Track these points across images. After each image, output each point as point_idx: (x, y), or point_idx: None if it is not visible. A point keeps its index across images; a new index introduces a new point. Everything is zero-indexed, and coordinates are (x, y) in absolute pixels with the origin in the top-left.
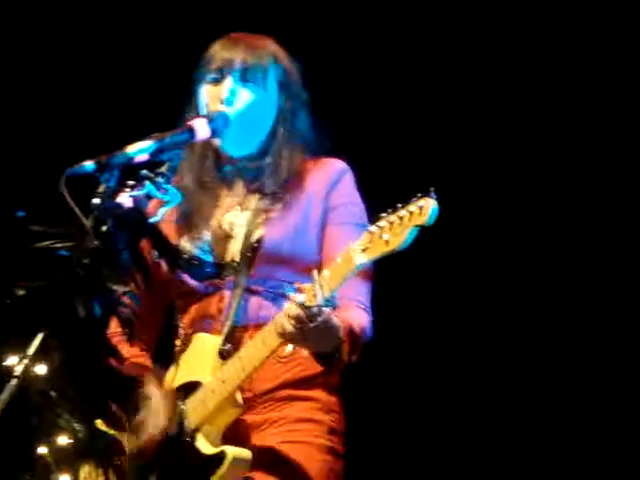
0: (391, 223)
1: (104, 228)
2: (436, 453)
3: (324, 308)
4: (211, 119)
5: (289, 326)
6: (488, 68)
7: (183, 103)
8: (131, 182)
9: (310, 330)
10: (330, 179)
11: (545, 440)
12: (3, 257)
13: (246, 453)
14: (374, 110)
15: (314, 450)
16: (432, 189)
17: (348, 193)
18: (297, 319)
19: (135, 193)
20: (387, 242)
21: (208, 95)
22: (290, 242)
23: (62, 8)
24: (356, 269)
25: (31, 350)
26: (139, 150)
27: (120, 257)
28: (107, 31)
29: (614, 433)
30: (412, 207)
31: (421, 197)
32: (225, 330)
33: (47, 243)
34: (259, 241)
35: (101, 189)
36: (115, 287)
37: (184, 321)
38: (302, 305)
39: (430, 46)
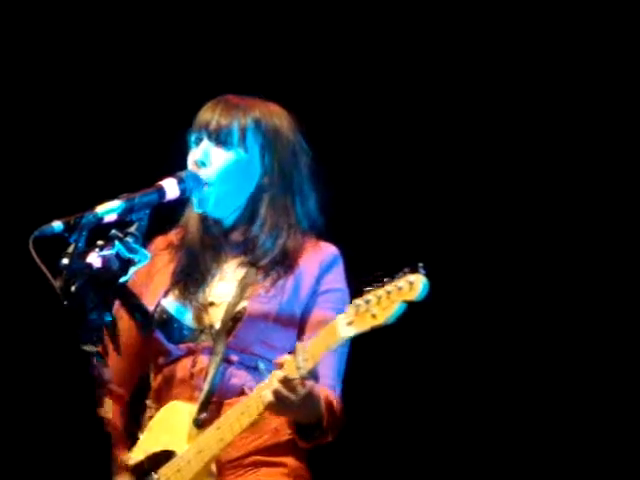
0: (379, 297)
1: (73, 288)
2: (435, 457)
3: (309, 382)
4: (181, 179)
5: (273, 398)
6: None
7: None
8: (100, 242)
9: (293, 402)
10: (324, 262)
11: (545, 440)
12: None
13: None
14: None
15: None
16: (421, 265)
17: (339, 280)
18: (280, 392)
19: (104, 253)
20: (374, 316)
21: (190, 157)
22: (272, 320)
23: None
24: (341, 342)
25: None
26: (108, 210)
27: (89, 317)
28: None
29: (614, 433)
30: (401, 282)
31: (410, 272)
32: (201, 398)
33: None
34: (241, 313)
35: (70, 249)
36: (84, 348)
37: (157, 381)
38: (286, 378)
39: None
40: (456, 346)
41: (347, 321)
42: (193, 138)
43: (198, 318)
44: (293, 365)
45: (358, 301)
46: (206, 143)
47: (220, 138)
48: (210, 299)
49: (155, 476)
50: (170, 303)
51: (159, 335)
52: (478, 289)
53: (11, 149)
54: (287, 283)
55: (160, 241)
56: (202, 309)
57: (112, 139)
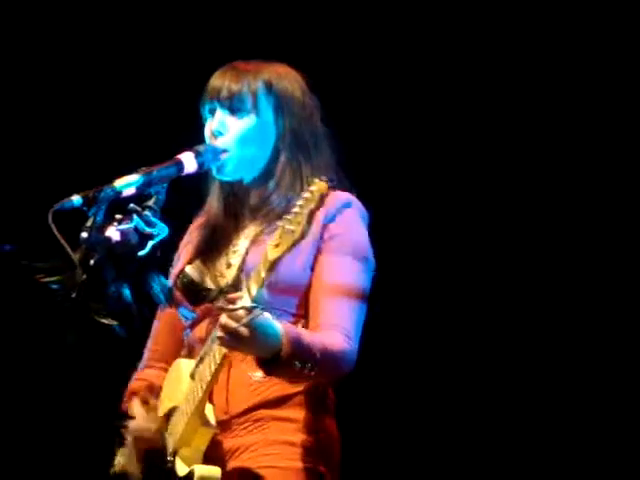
0: (294, 214)
1: (92, 262)
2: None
3: (255, 310)
4: (198, 152)
5: (220, 332)
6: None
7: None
8: (119, 216)
9: (241, 334)
10: (327, 215)
11: (545, 440)
12: None
13: (214, 470)
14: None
15: (288, 474)
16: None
17: (344, 226)
18: (226, 325)
19: (123, 227)
20: (292, 232)
21: (207, 128)
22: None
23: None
24: (270, 265)
25: None
26: (126, 184)
27: (108, 291)
28: (106, 60)
29: (614, 433)
30: (306, 194)
31: (313, 182)
32: (200, 353)
33: (35, 277)
34: (242, 268)
35: (89, 223)
36: (103, 321)
37: (184, 346)
38: (228, 309)
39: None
40: (455, 345)
41: (274, 244)
42: (206, 109)
43: (216, 280)
44: (238, 298)
45: (280, 222)
46: (220, 112)
47: (233, 105)
48: (228, 261)
49: (165, 434)
50: (192, 270)
51: (181, 301)
52: (478, 287)
53: (29, 124)
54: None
55: (196, 220)
56: (220, 271)
57: (129, 113)
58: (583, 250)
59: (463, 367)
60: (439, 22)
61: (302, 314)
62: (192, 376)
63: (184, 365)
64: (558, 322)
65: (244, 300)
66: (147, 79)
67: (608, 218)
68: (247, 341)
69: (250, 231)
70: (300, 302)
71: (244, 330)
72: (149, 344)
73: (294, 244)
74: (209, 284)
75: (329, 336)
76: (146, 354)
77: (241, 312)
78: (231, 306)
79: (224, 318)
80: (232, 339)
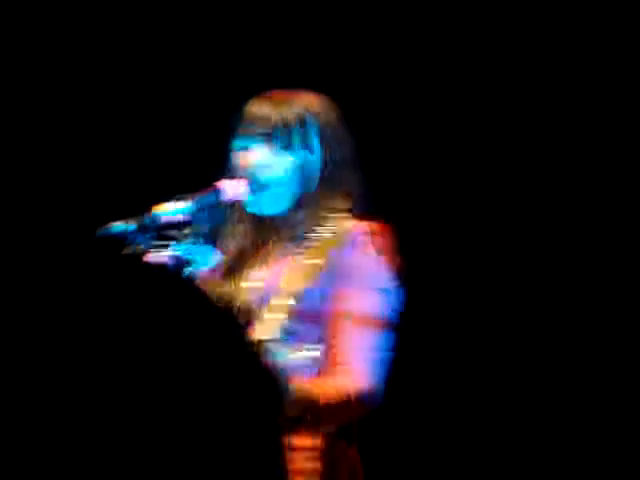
0: (319, 246)
1: None
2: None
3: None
4: (239, 181)
5: None
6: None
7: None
8: (160, 243)
9: None
10: (345, 246)
11: (545, 440)
12: None
13: None
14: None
15: None
16: None
17: (360, 258)
18: None
19: (166, 253)
20: (317, 265)
21: (241, 159)
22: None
23: None
24: (294, 295)
25: None
26: (170, 211)
27: None
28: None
29: (614, 433)
30: (334, 227)
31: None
32: None
33: None
34: (259, 291)
35: (131, 249)
36: None
37: None
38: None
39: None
40: (455, 344)
41: (298, 275)
42: (241, 139)
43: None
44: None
45: (303, 254)
46: (258, 145)
47: (273, 137)
48: (245, 283)
49: None
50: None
51: None
52: (478, 287)
53: (68, 145)
54: (313, 264)
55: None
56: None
57: (167, 139)
58: (583, 250)
59: (462, 366)
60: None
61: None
62: None
63: None
64: (562, 323)
65: (261, 332)
66: (184, 104)
67: (608, 218)
68: None
69: (274, 257)
70: (323, 331)
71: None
72: None
73: (314, 275)
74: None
75: (334, 383)
76: None
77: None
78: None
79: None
80: None
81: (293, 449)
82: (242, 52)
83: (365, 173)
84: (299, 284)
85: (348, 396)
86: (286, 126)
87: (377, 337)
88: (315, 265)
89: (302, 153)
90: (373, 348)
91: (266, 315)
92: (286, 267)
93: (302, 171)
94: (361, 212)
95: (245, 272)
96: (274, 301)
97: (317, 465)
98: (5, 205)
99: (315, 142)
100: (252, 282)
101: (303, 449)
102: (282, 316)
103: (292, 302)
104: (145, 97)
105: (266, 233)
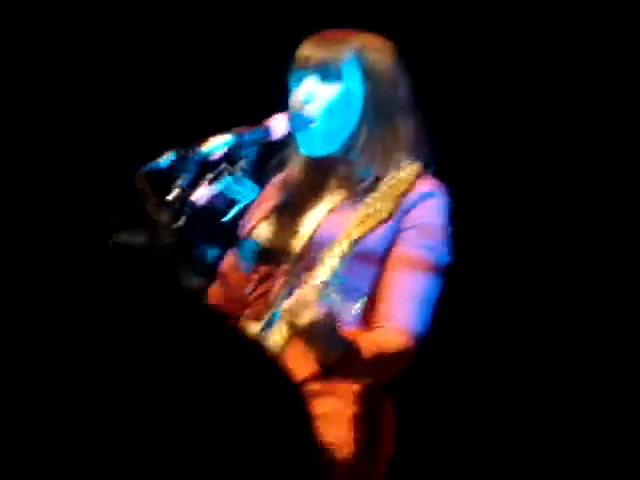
0: (384, 193)
1: (181, 221)
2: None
3: (322, 305)
4: (289, 118)
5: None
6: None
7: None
8: (209, 176)
9: (304, 325)
10: (409, 201)
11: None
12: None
13: None
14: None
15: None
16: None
17: (423, 216)
18: (290, 309)
19: (213, 187)
20: (380, 211)
21: (293, 96)
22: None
23: None
24: (353, 242)
25: None
26: (218, 145)
27: (194, 253)
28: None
29: (614, 433)
30: (400, 174)
31: (408, 164)
32: (266, 318)
33: (123, 237)
34: (316, 234)
35: (179, 182)
36: (189, 283)
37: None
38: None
39: None
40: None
41: (359, 221)
42: (294, 77)
43: (287, 243)
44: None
45: (366, 199)
46: (308, 80)
47: (321, 73)
48: (301, 228)
49: None
50: (264, 228)
51: (248, 260)
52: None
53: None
54: (371, 208)
55: (274, 179)
56: (292, 234)
57: (217, 77)
58: (583, 250)
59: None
60: None
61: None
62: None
63: (247, 329)
64: (558, 322)
65: (322, 274)
66: (230, 48)
67: (608, 218)
68: (312, 326)
69: (330, 200)
70: (375, 278)
71: (312, 311)
72: (209, 297)
73: (379, 224)
74: (279, 246)
75: (386, 337)
76: None
77: (314, 290)
78: (307, 283)
79: (297, 295)
80: (298, 315)
81: (330, 394)
82: None
83: (425, 119)
84: (362, 232)
85: (395, 354)
86: (332, 61)
87: (428, 285)
88: (381, 215)
89: (347, 87)
90: (423, 298)
91: (326, 259)
92: (348, 212)
93: (345, 104)
94: (419, 161)
95: (299, 215)
96: (332, 245)
97: (355, 409)
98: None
99: (358, 78)
100: (309, 225)
101: (341, 394)
102: (336, 260)
103: (347, 247)
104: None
105: (321, 173)
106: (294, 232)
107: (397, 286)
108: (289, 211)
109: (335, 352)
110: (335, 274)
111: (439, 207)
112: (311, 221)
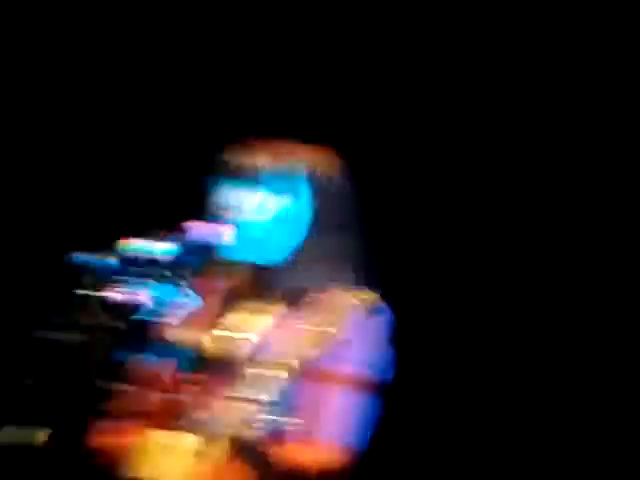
0: (338, 318)
1: (120, 325)
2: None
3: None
4: (236, 226)
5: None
6: None
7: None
8: (149, 281)
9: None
10: (349, 319)
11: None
12: None
13: None
14: None
15: None
16: None
17: (362, 331)
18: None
19: (154, 292)
20: (333, 336)
21: (234, 200)
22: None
23: None
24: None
25: None
26: (162, 250)
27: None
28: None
29: (614, 433)
30: (355, 301)
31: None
32: (206, 431)
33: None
34: (260, 345)
35: (118, 284)
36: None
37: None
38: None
39: None
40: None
41: (312, 343)
42: (242, 185)
43: (226, 355)
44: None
45: (318, 320)
46: (257, 191)
47: (272, 185)
48: (244, 339)
49: None
50: (204, 340)
51: (186, 368)
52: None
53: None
54: (297, 323)
55: (209, 284)
56: (232, 347)
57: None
58: (582, 251)
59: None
60: None
61: None
62: (198, 454)
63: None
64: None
65: (266, 390)
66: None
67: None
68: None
69: (274, 312)
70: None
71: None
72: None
73: (329, 342)
74: (220, 356)
75: (314, 453)
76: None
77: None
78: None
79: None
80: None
81: None
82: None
83: (367, 238)
84: (312, 352)
85: (328, 470)
86: (278, 173)
87: (366, 402)
88: (331, 333)
89: (297, 200)
90: (361, 413)
91: (260, 372)
92: (294, 327)
93: (291, 220)
94: (360, 281)
95: (242, 325)
96: (273, 360)
97: None
98: None
99: (312, 193)
100: (253, 337)
101: None
102: (284, 377)
103: (296, 364)
104: (128, 128)
105: (266, 284)
106: (237, 343)
107: (332, 403)
108: (232, 321)
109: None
110: (280, 391)
111: (380, 329)
112: (255, 333)
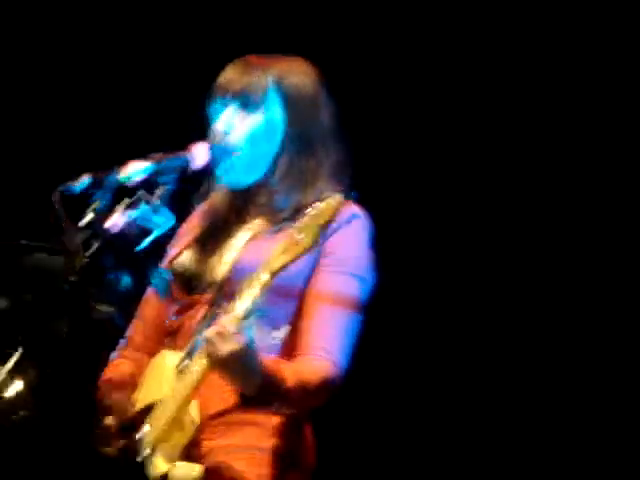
0: (305, 224)
1: (94, 247)
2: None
3: (242, 336)
4: (210, 147)
5: (210, 336)
6: None
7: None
8: (126, 202)
9: (223, 355)
10: (328, 233)
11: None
12: None
13: (197, 469)
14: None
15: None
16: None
17: (344, 242)
18: (210, 340)
19: (128, 214)
20: (301, 242)
21: (214, 124)
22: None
23: None
24: (273, 273)
25: (7, 367)
26: (137, 171)
27: (106, 278)
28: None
29: (614, 433)
30: (321, 204)
31: (330, 195)
32: (188, 347)
33: (37, 259)
34: (237, 262)
35: (94, 206)
36: (100, 307)
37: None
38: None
39: None
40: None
41: (279, 251)
42: (214, 105)
43: (209, 271)
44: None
45: (288, 229)
46: (228, 108)
47: (241, 102)
48: (223, 256)
49: (145, 426)
50: (187, 257)
51: (162, 290)
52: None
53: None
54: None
55: (198, 208)
56: (215, 262)
57: (140, 103)
58: (583, 251)
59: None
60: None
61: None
62: (180, 371)
63: (169, 357)
64: (558, 323)
65: (241, 306)
66: (155, 72)
67: (608, 218)
68: (230, 368)
69: (251, 228)
70: (296, 309)
71: (228, 355)
72: (129, 331)
73: (300, 255)
74: (202, 274)
75: (311, 367)
76: (123, 342)
77: (227, 331)
78: (228, 313)
79: (211, 332)
80: (216, 358)
81: (249, 424)
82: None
83: (349, 145)
84: (281, 261)
85: (320, 384)
86: (252, 89)
87: (353, 318)
88: (302, 247)
89: (267, 115)
90: (346, 332)
91: (246, 289)
92: (269, 242)
93: (266, 132)
94: (342, 189)
95: (221, 244)
96: (253, 276)
97: (273, 442)
98: None
99: (279, 105)
100: (230, 254)
101: (264, 426)
102: (257, 291)
103: (269, 277)
104: (124, 61)
105: (243, 202)
106: (216, 261)
107: (320, 319)
108: (211, 240)
109: (255, 383)
110: (255, 304)
111: (360, 234)
112: (232, 250)
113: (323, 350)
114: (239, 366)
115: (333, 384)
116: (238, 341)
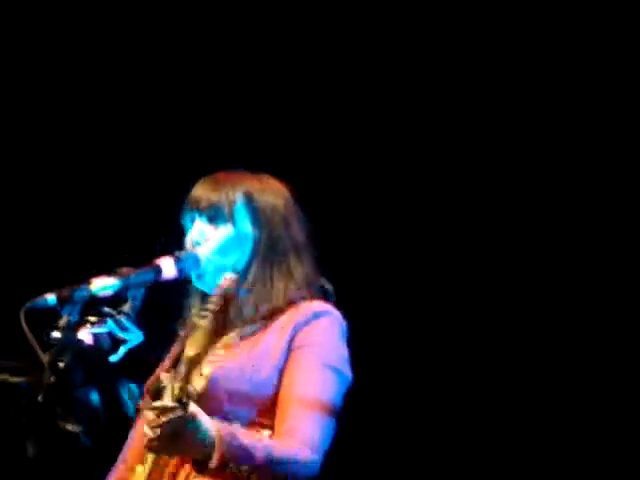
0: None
1: (62, 364)
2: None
3: (176, 410)
4: (178, 259)
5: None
6: None
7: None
8: (93, 319)
9: (161, 434)
10: (297, 325)
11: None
12: None
13: None
14: None
15: None
16: None
17: (317, 334)
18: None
19: (96, 330)
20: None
21: (188, 237)
22: (236, 381)
23: None
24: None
25: None
26: (103, 287)
27: (75, 395)
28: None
29: (614, 433)
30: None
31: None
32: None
33: (1, 377)
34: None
35: (61, 323)
36: (68, 427)
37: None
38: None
39: None
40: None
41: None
42: (187, 218)
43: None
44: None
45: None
46: (198, 222)
47: (210, 215)
48: (201, 370)
49: None
50: (165, 377)
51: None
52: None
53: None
54: (257, 344)
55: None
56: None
57: (111, 213)
58: (583, 251)
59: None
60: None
61: (267, 424)
62: None
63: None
64: (557, 323)
65: (165, 400)
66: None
67: (608, 219)
68: (168, 442)
69: (226, 340)
70: (263, 411)
71: (163, 430)
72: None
73: (276, 357)
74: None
75: (285, 443)
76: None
77: (159, 411)
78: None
79: (147, 418)
80: (154, 440)
81: None
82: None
83: (319, 257)
84: (256, 368)
85: (293, 458)
86: (221, 204)
87: (329, 420)
88: (273, 346)
89: (236, 229)
90: (325, 430)
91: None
92: (239, 348)
93: (235, 245)
94: (312, 295)
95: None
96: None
97: None
98: None
99: (248, 220)
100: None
101: None
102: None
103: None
104: (100, 164)
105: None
106: (192, 379)
107: (297, 422)
108: (187, 356)
109: (207, 451)
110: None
111: (330, 327)
112: (209, 365)
113: (302, 437)
114: (178, 436)
115: (309, 467)
116: (167, 414)
